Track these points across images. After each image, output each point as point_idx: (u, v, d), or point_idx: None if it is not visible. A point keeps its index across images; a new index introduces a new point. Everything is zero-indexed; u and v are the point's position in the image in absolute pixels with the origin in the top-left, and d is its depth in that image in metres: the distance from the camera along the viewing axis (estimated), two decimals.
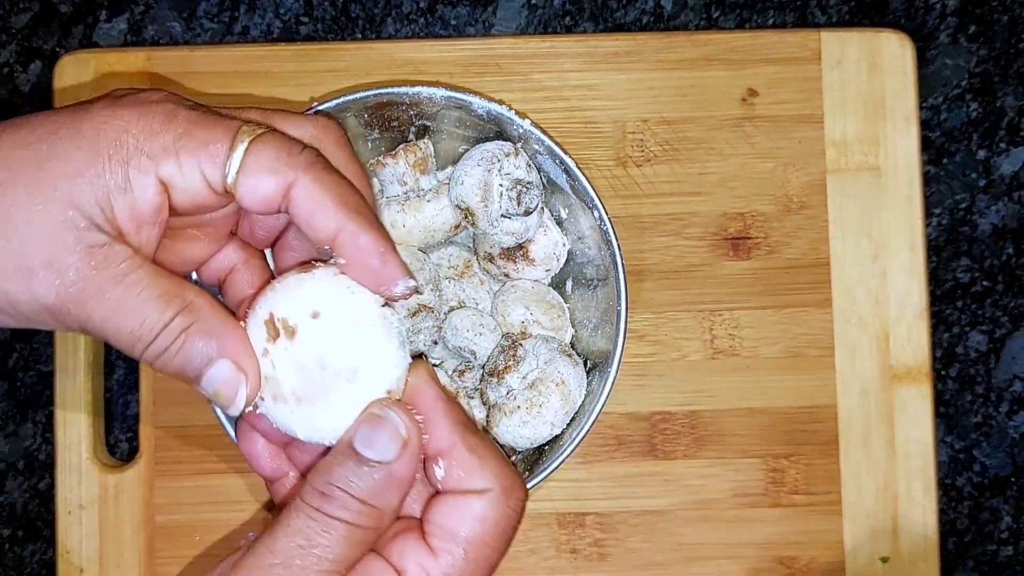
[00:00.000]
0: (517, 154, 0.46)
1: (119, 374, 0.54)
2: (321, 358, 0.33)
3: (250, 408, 0.35)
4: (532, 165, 0.46)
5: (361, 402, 0.33)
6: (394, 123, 0.48)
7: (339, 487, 0.32)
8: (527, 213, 0.45)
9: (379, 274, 0.34)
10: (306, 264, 0.36)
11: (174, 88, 0.52)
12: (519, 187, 0.45)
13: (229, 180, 0.33)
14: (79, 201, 0.32)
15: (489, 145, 0.46)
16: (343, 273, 0.34)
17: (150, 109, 0.33)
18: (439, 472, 0.33)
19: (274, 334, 0.34)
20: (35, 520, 0.54)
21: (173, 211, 0.34)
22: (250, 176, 0.33)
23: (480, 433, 0.35)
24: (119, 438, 0.54)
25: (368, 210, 0.34)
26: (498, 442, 0.46)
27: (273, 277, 0.37)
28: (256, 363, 0.34)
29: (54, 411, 0.51)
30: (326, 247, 0.34)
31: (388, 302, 0.34)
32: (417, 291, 0.35)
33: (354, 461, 0.32)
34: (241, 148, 0.33)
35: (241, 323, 0.35)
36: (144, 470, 0.51)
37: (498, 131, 0.47)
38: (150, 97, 0.34)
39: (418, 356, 0.35)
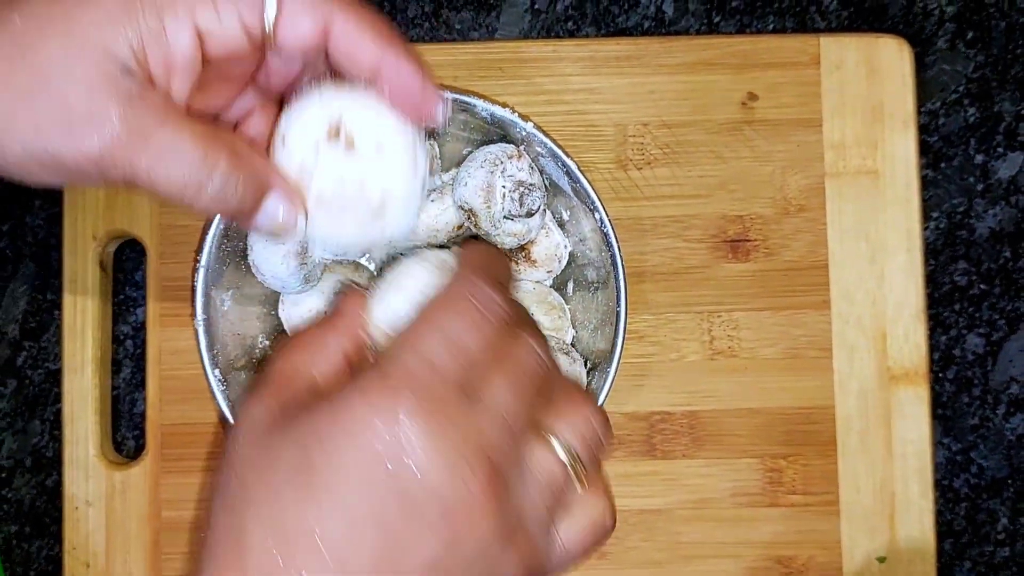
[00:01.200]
0: (520, 156, 0.46)
1: (126, 372, 0.55)
2: (363, 181, 0.36)
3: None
4: (535, 168, 0.47)
5: (368, 233, 0.36)
6: None
7: None
8: (529, 215, 0.46)
9: (420, 99, 0.36)
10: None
11: None
12: (521, 189, 0.46)
13: (268, 24, 0.34)
14: (113, 49, 0.32)
15: (492, 148, 0.47)
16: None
17: None
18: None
19: (335, 136, 0.36)
20: (42, 516, 0.55)
21: (206, 61, 0.34)
22: (288, 17, 0.34)
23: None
24: (126, 435, 0.55)
25: (403, 40, 0.36)
26: None
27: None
28: (298, 197, 0.36)
29: (62, 408, 0.52)
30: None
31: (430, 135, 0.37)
32: (449, 112, 0.37)
33: None
34: None
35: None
36: (150, 467, 0.52)
37: (502, 134, 0.47)
38: None
39: None
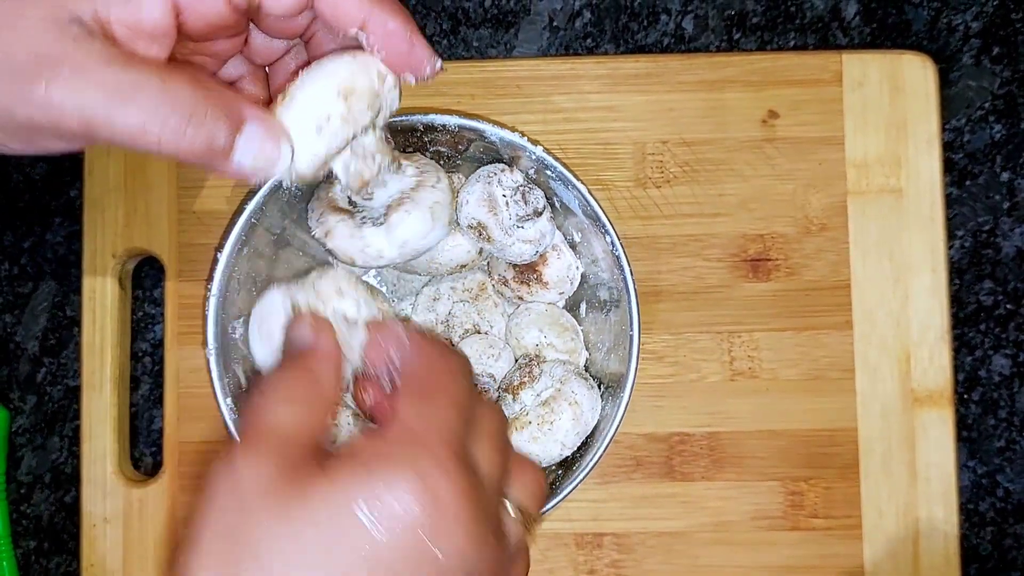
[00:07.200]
0: (513, 170, 0.46)
1: (144, 389, 0.55)
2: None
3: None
4: (529, 177, 0.46)
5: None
6: (408, 149, 0.48)
7: None
8: (537, 213, 0.45)
9: (408, 57, 0.35)
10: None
11: None
12: (522, 189, 0.45)
13: None
14: (72, 6, 0.31)
15: (484, 167, 0.46)
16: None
17: None
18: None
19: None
20: (61, 533, 0.55)
21: (184, 35, 0.33)
22: None
23: None
24: (143, 453, 0.55)
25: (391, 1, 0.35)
26: None
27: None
28: (279, 126, 0.34)
29: (80, 425, 0.52)
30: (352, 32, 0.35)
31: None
32: (442, 70, 0.37)
33: None
34: None
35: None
36: (168, 485, 0.52)
37: (498, 156, 0.47)
38: None
39: None
